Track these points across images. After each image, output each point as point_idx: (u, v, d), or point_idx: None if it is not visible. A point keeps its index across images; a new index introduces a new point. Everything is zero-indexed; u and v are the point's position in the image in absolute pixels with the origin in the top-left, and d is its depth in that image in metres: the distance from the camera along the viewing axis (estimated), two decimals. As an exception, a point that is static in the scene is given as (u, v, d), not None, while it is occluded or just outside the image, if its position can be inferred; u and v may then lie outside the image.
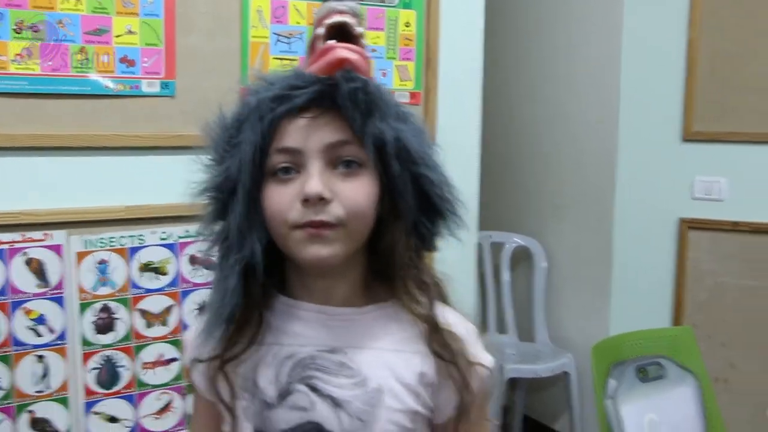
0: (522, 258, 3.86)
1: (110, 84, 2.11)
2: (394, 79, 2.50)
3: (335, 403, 1.10)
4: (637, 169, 3.24)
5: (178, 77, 2.18)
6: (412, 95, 2.53)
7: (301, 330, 1.13)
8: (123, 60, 2.09)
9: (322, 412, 1.10)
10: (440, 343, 1.11)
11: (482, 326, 3.68)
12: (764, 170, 3.01)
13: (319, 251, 1.03)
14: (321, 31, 1.10)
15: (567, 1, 3.63)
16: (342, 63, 1.04)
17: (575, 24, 3.55)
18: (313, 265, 1.06)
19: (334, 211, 1.03)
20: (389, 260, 1.11)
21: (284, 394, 1.11)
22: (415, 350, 1.12)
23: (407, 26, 2.50)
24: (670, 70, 3.21)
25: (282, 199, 1.04)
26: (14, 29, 1.98)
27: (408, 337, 1.13)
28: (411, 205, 1.09)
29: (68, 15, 2.04)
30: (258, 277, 1.07)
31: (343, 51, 1.05)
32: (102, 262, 2.17)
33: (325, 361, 1.11)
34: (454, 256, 2.65)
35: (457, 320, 1.15)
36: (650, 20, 3.24)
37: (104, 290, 2.19)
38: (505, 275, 3.83)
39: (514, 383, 3.73)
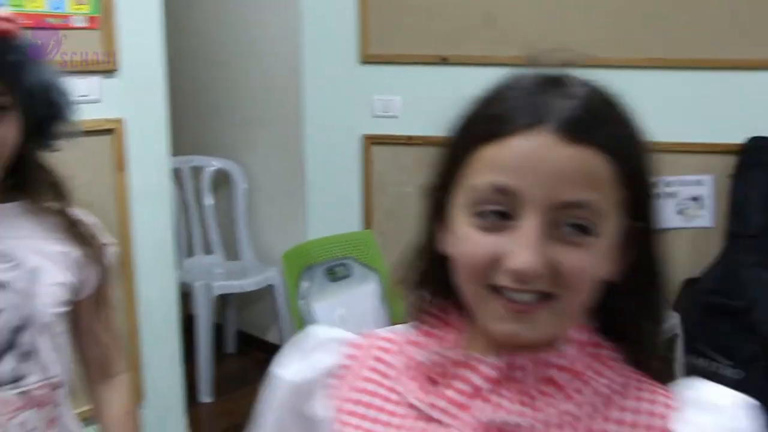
0: (222, 180, 3.91)
1: None
2: (68, 2, 2.43)
3: None
4: (321, 91, 3.39)
5: None
6: (91, 19, 2.48)
7: None
8: None
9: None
10: (76, 230, 1.35)
11: (189, 249, 3.73)
12: (432, 88, 3.23)
13: None
14: None
15: None
16: (2, 34, 1.20)
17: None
18: None
19: None
20: (22, 166, 1.30)
21: None
22: (57, 237, 1.33)
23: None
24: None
25: None
26: None
27: (48, 226, 1.33)
28: (45, 124, 1.30)
29: None
30: None
31: (1, 23, 1.20)
32: None
33: None
34: (149, 182, 2.65)
35: (81, 212, 1.39)
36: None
37: None
38: (207, 199, 3.89)
39: (224, 300, 3.81)
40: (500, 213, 0.75)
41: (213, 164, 3.87)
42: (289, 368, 0.93)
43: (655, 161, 0.83)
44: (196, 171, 3.85)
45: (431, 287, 0.89)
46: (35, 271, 1.31)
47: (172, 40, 2.84)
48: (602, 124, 0.77)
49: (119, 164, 2.63)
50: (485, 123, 0.79)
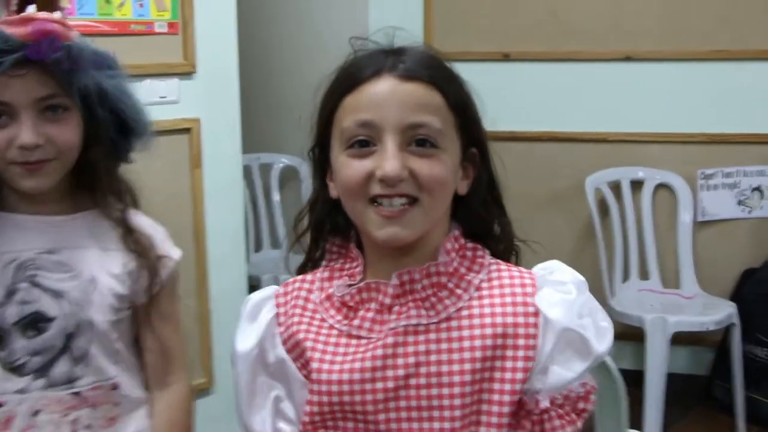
0: (289, 176, 3.94)
1: None
2: (151, 9, 2.50)
3: (56, 294, 1.33)
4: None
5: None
6: (170, 25, 2.55)
7: (19, 237, 1.34)
8: None
9: (45, 303, 1.32)
10: (133, 241, 1.38)
11: (257, 243, 3.81)
12: (494, 84, 3.18)
13: (32, 183, 1.29)
14: None
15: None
16: (46, 34, 1.23)
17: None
18: (25, 192, 1.30)
19: (41, 152, 1.26)
20: (92, 176, 1.35)
21: (11, 293, 1.32)
22: (117, 248, 1.37)
23: (160, -42, 2.54)
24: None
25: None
26: None
27: (110, 237, 1.37)
28: (109, 131, 1.33)
29: None
30: None
31: (46, 24, 1.24)
32: None
33: (44, 261, 1.34)
34: (223, 179, 2.74)
35: (145, 221, 1.43)
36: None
37: None
38: (275, 195, 3.93)
39: None
40: (366, 142, 1.00)
41: (281, 161, 3.92)
42: (242, 341, 1.13)
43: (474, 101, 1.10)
44: (265, 168, 3.90)
45: (332, 229, 1.13)
46: (92, 281, 1.36)
47: (244, 42, 2.91)
48: (430, 68, 1.04)
49: (196, 162, 2.69)
50: (343, 80, 1.05)
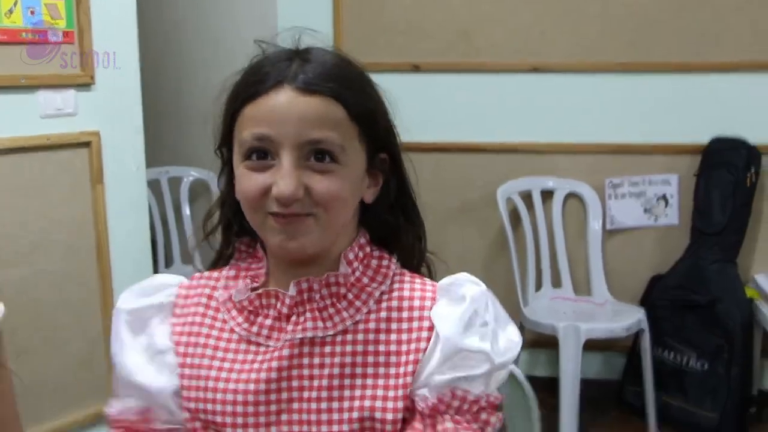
0: (200, 190, 3.88)
1: None
2: (44, 17, 2.42)
3: None
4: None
5: None
6: (65, 34, 2.47)
7: None
8: None
9: None
10: None
11: (167, 258, 3.68)
12: (403, 95, 3.26)
13: None
14: None
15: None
16: None
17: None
18: None
19: None
20: None
21: None
22: None
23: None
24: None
25: None
26: None
27: None
28: None
29: None
30: None
31: None
32: None
33: None
34: (126, 195, 2.64)
35: None
36: None
37: None
38: (186, 209, 3.87)
39: None
40: (263, 155, 0.97)
41: (191, 174, 3.86)
42: (127, 301, 1.10)
43: (385, 106, 1.07)
44: (174, 181, 3.80)
45: (238, 229, 1.11)
46: None
47: (147, 51, 2.91)
48: (332, 79, 0.99)
49: (97, 177, 2.62)
50: (244, 88, 1.01)
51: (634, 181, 3.44)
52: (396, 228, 1.12)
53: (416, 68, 3.42)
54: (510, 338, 1.06)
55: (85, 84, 2.55)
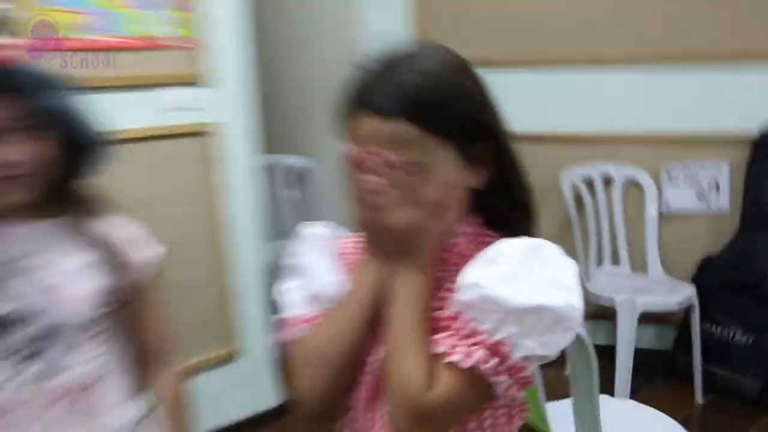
0: (305, 177, 3.92)
1: None
2: (173, 26, 2.54)
3: (27, 295, 1.27)
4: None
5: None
6: (191, 41, 2.59)
7: None
8: None
9: (18, 303, 1.26)
10: (102, 244, 1.34)
11: (274, 233, 3.79)
12: None
13: (5, 199, 1.25)
14: None
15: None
16: (7, 61, 1.21)
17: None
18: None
19: (11, 170, 1.23)
20: (55, 189, 1.31)
21: None
22: (89, 251, 1.33)
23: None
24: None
25: None
26: None
27: (76, 244, 1.33)
28: (61, 150, 1.28)
29: None
30: None
31: (6, 51, 1.22)
32: None
33: (17, 265, 1.28)
34: (239, 180, 2.80)
35: (121, 226, 1.38)
36: None
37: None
38: (291, 193, 3.92)
39: None
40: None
41: (295, 162, 3.91)
42: (316, 230, 1.18)
43: (475, 102, 1.05)
44: (283, 169, 3.89)
45: None
46: (64, 283, 1.30)
47: (269, 58, 3.08)
48: (407, 102, 0.99)
49: (206, 160, 2.73)
50: (343, 105, 1.04)
51: (688, 169, 3.39)
52: (502, 209, 1.12)
53: (488, 63, 3.46)
54: (545, 292, 1.00)
55: (203, 83, 2.65)
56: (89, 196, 1.37)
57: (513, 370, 1.00)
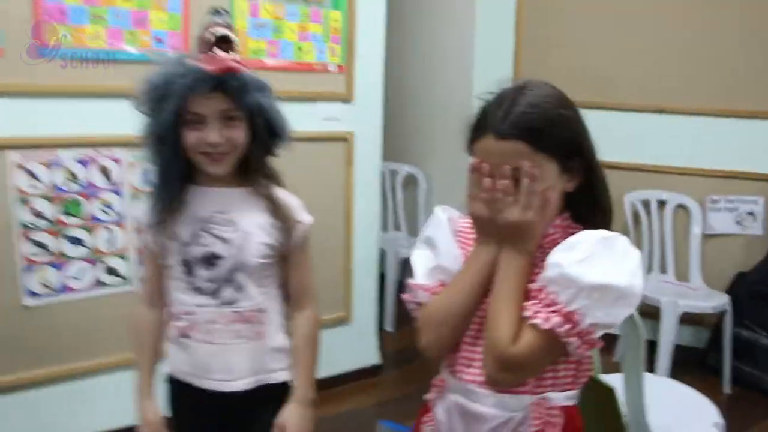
0: (410, 181, 4.11)
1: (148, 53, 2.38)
2: (327, 55, 2.76)
3: (224, 240, 1.42)
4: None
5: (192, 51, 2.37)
6: (339, 67, 2.82)
7: (201, 201, 1.44)
8: (157, 39, 2.41)
9: (217, 247, 1.42)
10: (275, 208, 1.45)
11: (384, 225, 3.78)
12: None
13: (215, 168, 1.39)
14: (210, 36, 1.35)
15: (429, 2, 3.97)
16: (230, 70, 1.33)
17: (435, 18, 3.97)
18: (209, 173, 1.41)
19: (222, 148, 1.36)
20: (250, 164, 1.43)
21: (195, 237, 1.42)
22: (265, 212, 1.45)
23: (335, 21, 2.76)
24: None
25: (194, 139, 1.36)
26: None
27: (261, 205, 1.45)
28: (263, 135, 1.40)
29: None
30: (179, 177, 1.41)
31: (226, 62, 1.33)
32: (143, 169, 2.42)
33: (217, 218, 1.42)
34: (366, 177, 3.08)
35: (286, 195, 1.48)
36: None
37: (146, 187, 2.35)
38: (399, 194, 4.11)
39: (406, 263, 3.66)
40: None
41: (404, 169, 4.08)
42: (446, 213, 1.27)
43: (573, 126, 1.11)
44: (393, 173, 4.04)
45: None
46: (248, 234, 1.42)
47: (388, 78, 3.11)
48: (522, 126, 1.08)
49: (349, 161, 2.95)
50: (472, 129, 1.14)
51: (730, 199, 3.44)
52: (587, 208, 1.17)
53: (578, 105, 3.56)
54: (612, 273, 1.05)
55: (347, 99, 2.87)
56: (270, 173, 1.47)
57: (582, 334, 1.06)
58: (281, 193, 1.47)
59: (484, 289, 1.16)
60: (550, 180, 1.11)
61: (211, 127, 1.34)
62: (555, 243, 1.11)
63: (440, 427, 1.26)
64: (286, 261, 1.48)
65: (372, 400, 3.11)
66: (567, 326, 1.05)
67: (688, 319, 3.28)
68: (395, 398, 3.10)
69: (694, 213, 3.52)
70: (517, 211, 1.08)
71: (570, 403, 1.18)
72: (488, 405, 1.16)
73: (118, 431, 2.51)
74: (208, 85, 1.31)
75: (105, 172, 2.44)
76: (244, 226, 1.42)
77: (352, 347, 3.19)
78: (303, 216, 1.49)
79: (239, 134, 1.37)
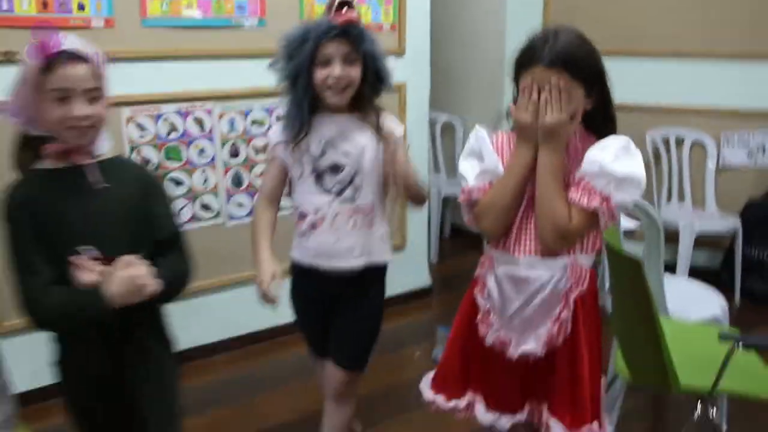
0: (448, 128, 4.30)
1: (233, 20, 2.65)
2: (381, 15, 3.04)
3: (345, 153, 1.68)
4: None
5: (267, 17, 2.73)
6: (392, 26, 3.09)
7: (326, 126, 1.69)
8: (239, 7, 2.68)
9: (340, 158, 1.68)
10: (379, 129, 1.70)
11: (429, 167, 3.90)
12: None
13: (337, 99, 1.64)
14: (334, 1, 1.61)
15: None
16: (352, 21, 1.59)
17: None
18: (331, 104, 1.65)
19: (342, 82, 1.60)
20: (362, 98, 1.67)
21: (323, 153, 1.68)
22: (373, 132, 1.70)
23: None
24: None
25: (323, 75, 1.61)
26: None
27: (369, 127, 1.70)
28: (372, 76, 1.64)
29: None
30: (310, 104, 1.65)
31: (349, 15, 1.59)
32: (231, 119, 2.78)
33: (338, 138, 1.68)
34: (416, 125, 3.38)
35: (390, 118, 1.73)
36: None
37: (233, 134, 2.79)
38: (438, 141, 4.29)
39: (446, 201, 4.20)
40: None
41: (442, 118, 4.21)
42: (484, 130, 1.50)
43: (598, 63, 1.34)
44: (432, 121, 3.95)
45: None
46: (363, 148, 1.68)
47: (433, 35, 3.33)
48: (564, 58, 1.31)
49: (402, 108, 3.17)
50: (518, 60, 1.38)
51: (742, 135, 3.56)
52: (600, 121, 1.41)
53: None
54: (632, 168, 1.31)
55: (400, 53, 3.10)
56: (375, 105, 1.72)
57: (611, 210, 1.33)
58: (386, 118, 1.73)
59: (526, 183, 1.41)
60: (579, 101, 1.35)
61: (336, 66, 1.60)
62: (576, 146, 1.37)
63: (492, 293, 1.51)
64: (384, 170, 1.70)
65: (426, 316, 3.40)
66: (603, 206, 1.32)
67: (703, 242, 3.44)
68: (445, 313, 3.26)
69: (709, 148, 3.65)
70: (555, 117, 1.32)
71: (590, 265, 1.46)
72: (536, 269, 1.43)
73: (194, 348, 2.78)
74: (336, 32, 1.58)
75: (200, 122, 2.70)
76: (359, 143, 1.69)
77: (406, 271, 3.42)
78: (397, 129, 1.74)
79: (356, 72, 1.63)
